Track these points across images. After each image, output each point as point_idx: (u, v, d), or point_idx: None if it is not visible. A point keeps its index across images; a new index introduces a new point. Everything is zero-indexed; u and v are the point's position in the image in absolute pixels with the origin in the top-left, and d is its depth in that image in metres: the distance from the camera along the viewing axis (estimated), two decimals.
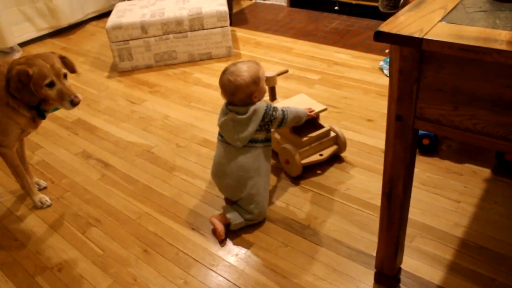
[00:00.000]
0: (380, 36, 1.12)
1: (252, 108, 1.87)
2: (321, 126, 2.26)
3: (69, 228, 2.14)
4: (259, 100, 1.92)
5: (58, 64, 1.98)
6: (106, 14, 4.85)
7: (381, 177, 2.17)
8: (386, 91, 2.88)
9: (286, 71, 2.47)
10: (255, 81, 1.87)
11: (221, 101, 2.05)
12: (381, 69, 3.12)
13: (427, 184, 2.11)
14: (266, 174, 1.97)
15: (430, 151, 2.28)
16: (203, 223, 2.06)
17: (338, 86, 3.00)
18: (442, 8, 1.24)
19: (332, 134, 2.28)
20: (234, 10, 4.53)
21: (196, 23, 3.45)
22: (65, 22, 4.46)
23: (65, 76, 2.01)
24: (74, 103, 1.97)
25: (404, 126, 1.24)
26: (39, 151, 2.76)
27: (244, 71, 1.88)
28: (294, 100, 2.32)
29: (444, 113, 1.15)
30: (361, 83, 3.00)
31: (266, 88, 1.99)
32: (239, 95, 1.87)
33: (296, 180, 2.24)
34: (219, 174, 1.98)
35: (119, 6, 3.79)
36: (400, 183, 1.36)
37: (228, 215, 1.96)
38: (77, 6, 4.55)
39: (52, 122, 3.04)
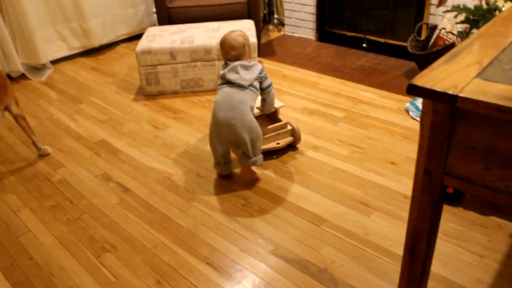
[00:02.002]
0: (414, 90, 1.10)
1: (252, 62, 2.44)
2: (279, 120, 2.78)
3: (84, 252, 2.14)
4: (247, 57, 2.50)
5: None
6: (136, 37, 4.95)
7: (402, 224, 2.16)
8: (411, 134, 2.84)
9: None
10: (248, 43, 2.50)
11: None
12: (407, 111, 3.09)
13: (450, 235, 2.05)
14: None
15: (454, 201, 2.23)
16: (218, 258, 2.03)
17: (362, 125, 2.97)
18: (477, 63, 1.22)
19: (289, 127, 2.75)
20: (263, 41, 4.58)
21: None
22: (96, 42, 4.56)
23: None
24: None
25: (432, 181, 1.20)
26: (61, 169, 2.79)
27: (243, 34, 2.49)
28: (258, 99, 2.65)
29: (475, 172, 1.12)
30: (386, 123, 2.97)
31: None
32: (245, 49, 2.45)
33: (315, 221, 2.21)
34: (228, 112, 2.32)
35: (150, 31, 3.85)
36: (424, 238, 1.32)
37: (251, 161, 2.41)
38: (109, 28, 4.65)
39: (76, 141, 3.08)
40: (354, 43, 4.27)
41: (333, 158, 2.65)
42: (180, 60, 3.51)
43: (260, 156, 2.43)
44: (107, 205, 2.44)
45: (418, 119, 2.97)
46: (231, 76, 2.37)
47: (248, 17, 4.05)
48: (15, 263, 2.12)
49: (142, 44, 3.56)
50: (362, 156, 2.65)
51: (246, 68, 2.39)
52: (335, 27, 4.40)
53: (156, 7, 4.01)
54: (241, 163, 2.44)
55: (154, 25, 5.03)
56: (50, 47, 4.40)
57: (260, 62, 4.06)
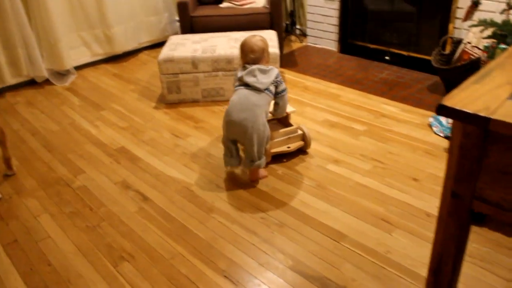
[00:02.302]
0: (444, 111, 1.07)
1: (269, 66, 2.54)
2: (290, 125, 2.85)
3: (102, 260, 2.13)
4: (267, 61, 2.61)
5: None
6: (159, 45, 4.99)
7: (425, 243, 2.11)
8: (434, 150, 2.79)
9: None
10: (267, 47, 2.60)
11: None
12: (430, 126, 3.04)
13: (474, 257, 2.00)
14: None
15: (479, 220, 2.18)
16: (236, 272, 2.01)
17: (384, 139, 2.93)
18: (509, 84, 1.19)
19: (300, 132, 2.80)
20: (285, 51, 4.57)
21: None
22: (119, 49, 4.60)
23: None
24: None
25: (460, 205, 1.17)
26: (81, 176, 2.80)
27: (263, 39, 2.58)
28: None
29: (507, 198, 1.09)
30: (408, 138, 2.93)
31: None
32: (264, 54, 2.55)
33: (335, 237, 2.17)
34: (241, 113, 2.43)
35: (172, 39, 3.87)
36: (450, 262, 1.28)
37: (256, 164, 2.51)
38: (132, 35, 4.70)
39: (96, 147, 3.10)
40: (376, 56, 4.24)
41: (354, 172, 2.62)
42: (202, 69, 3.52)
43: (263, 159, 2.53)
44: (126, 213, 2.44)
45: (442, 134, 2.92)
46: (249, 79, 2.46)
47: (271, 28, 4.05)
48: (34, 268, 2.12)
49: (164, 52, 3.58)
50: (384, 172, 2.61)
51: (264, 72, 2.48)
52: (357, 39, 4.37)
53: (179, 16, 4.03)
54: (246, 167, 2.58)
55: (177, 33, 5.07)
56: (74, 53, 4.45)
57: (282, 73, 4.05)
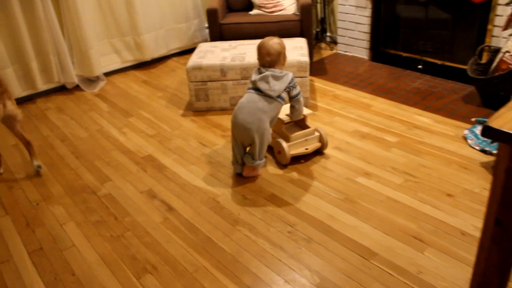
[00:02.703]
0: (489, 133, 0.99)
1: (284, 71, 2.55)
2: (307, 127, 2.88)
3: (125, 271, 2.10)
4: (283, 64, 2.63)
5: None
6: (188, 51, 4.99)
7: (459, 263, 2.00)
8: (469, 164, 2.68)
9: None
10: (284, 50, 2.60)
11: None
12: (465, 139, 2.92)
13: None
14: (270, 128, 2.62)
15: None
16: None
17: (416, 152, 2.83)
18: None
19: (317, 133, 2.86)
20: (315, 59, 4.50)
21: None
22: (149, 56, 4.62)
23: None
24: None
25: (505, 233, 1.09)
26: (108, 184, 2.79)
27: (280, 43, 2.58)
28: (286, 107, 2.84)
29: None
30: (442, 151, 2.82)
31: None
32: (280, 58, 2.56)
33: (364, 254, 2.09)
34: (247, 116, 2.52)
35: (201, 47, 3.85)
36: None
37: (256, 163, 2.63)
38: (162, 42, 4.71)
39: (124, 155, 3.09)
40: (409, 64, 4.12)
41: (385, 186, 2.53)
42: (230, 77, 3.48)
43: (263, 161, 2.64)
44: (150, 223, 2.41)
45: (478, 147, 2.80)
46: (262, 86, 2.53)
47: (301, 35, 3.99)
48: (58, 277, 2.11)
49: (193, 59, 3.56)
50: (416, 186, 2.51)
51: (277, 78, 2.52)
52: (389, 47, 4.27)
53: (209, 23, 4.01)
54: (246, 163, 2.65)
55: (206, 40, 5.05)
56: (105, 60, 4.49)
57: (311, 81, 3.98)
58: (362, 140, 3.01)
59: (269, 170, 2.78)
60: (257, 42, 3.81)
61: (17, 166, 3.09)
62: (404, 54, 4.15)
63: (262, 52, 2.57)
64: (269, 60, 2.55)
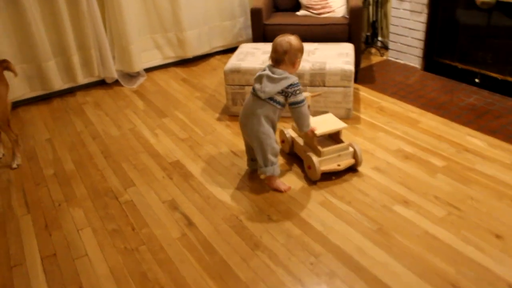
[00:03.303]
0: None
1: (286, 74, 2.34)
2: (341, 141, 2.66)
3: None
4: (295, 70, 2.42)
5: None
6: (232, 50, 4.83)
7: None
8: None
9: (319, 94, 2.99)
10: (301, 50, 2.41)
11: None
12: None
13: None
14: (272, 132, 2.46)
15: None
16: None
17: (465, 180, 2.55)
18: None
19: (351, 149, 2.64)
20: (363, 65, 4.24)
21: (317, 78, 3.22)
22: (191, 53, 4.51)
23: None
24: None
25: None
26: (131, 189, 2.69)
27: (296, 40, 2.40)
28: (320, 118, 2.72)
29: None
30: (495, 182, 2.52)
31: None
32: (285, 57, 2.35)
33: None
34: (243, 118, 2.48)
35: (242, 48, 3.69)
36: None
37: (261, 170, 2.51)
38: (205, 40, 4.59)
39: (152, 158, 2.98)
40: (465, 77, 3.78)
41: (424, 218, 2.28)
42: None
43: (270, 168, 2.47)
44: (167, 238, 2.28)
45: None
46: (255, 85, 2.42)
47: (349, 40, 3.74)
48: None
49: (231, 62, 3.40)
50: (460, 221, 2.25)
51: (272, 80, 2.35)
52: (444, 56, 3.94)
53: (252, 23, 3.83)
54: (259, 171, 2.55)
55: (251, 39, 4.88)
56: (146, 56, 4.41)
57: (356, 89, 3.74)
58: (405, 161, 2.76)
59: (299, 187, 2.60)
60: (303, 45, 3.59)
61: (47, 162, 3.05)
62: (460, 66, 3.82)
63: (272, 47, 2.42)
64: (274, 57, 2.39)
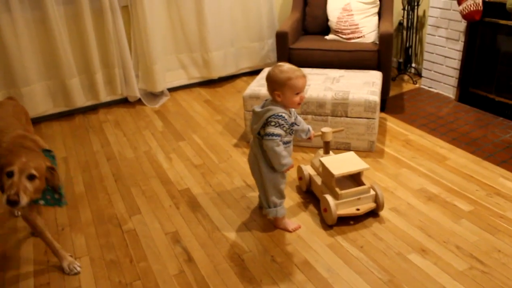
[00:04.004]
0: None
1: (269, 107, 2.13)
2: (362, 183, 2.42)
3: None
4: (281, 102, 2.13)
5: (34, 164, 1.94)
6: (258, 71, 4.71)
7: None
8: None
9: (342, 130, 2.69)
10: (281, 82, 2.08)
11: None
12: None
13: None
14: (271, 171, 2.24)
15: None
16: None
17: (493, 229, 2.32)
18: None
19: (372, 192, 2.42)
20: (394, 93, 4.04)
21: (340, 108, 3.05)
22: (216, 74, 4.44)
23: (30, 177, 1.92)
24: (9, 201, 1.84)
25: None
26: (136, 217, 2.60)
27: (283, 69, 2.10)
28: (341, 157, 2.49)
29: None
30: None
31: (296, 99, 2.12)
32: (268, 86, 2.16)
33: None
34: (249, 157, 2.35)
35: (265, 72, 3.56)
36: None
37: (265, 211, 2.36)
38: (231, 61, 4.50)
39: (162, 185, 2.88)
40: (502, 111, 3.52)
41: (442, 271, 2.06)
42: None
43: (273, 210, 2.32)
44: (164, 275, 2.15)
45: None
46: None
47: (378, 68, 3.56)
48: None
49: (251, 87, 3.29)
50: (484, 278, 2.02)
51: (257, 115, 2.19)
52: (481, 87, 3.68)
53: (277, 47, 3.71)
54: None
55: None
56: (171, 75, 4.36)
57: (383, 119, 3.54)
58: (427, 203, 2.54)
59: (309, 226, 2.43)
60: (327, 72, 3.45)
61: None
62: (498, 98, 3.55)
63: None
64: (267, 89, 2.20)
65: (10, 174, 1.88)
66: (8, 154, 1.95)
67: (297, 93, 2.11)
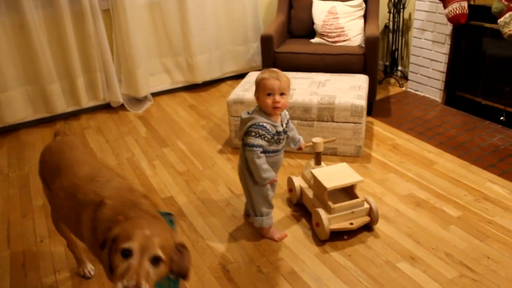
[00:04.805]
0: None
1: (253, 115, 2.11)
2: (356, 197, 2.33)
3: None
4: (260, 106, 2.12)
5: (160, 240, 1.36)
6: (244, 75, 4.63)
7: None
8: None
9: (334, 140, 2.60)
10: (256, 83, 2.11)
11: None
12: None
13: None
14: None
15: None
16: None
17: (482, 235, 2.28)
18: None
19: (366, 205, 2.33)
20: (380, 96, 4.00)
21: (326, 113, 3.01)
22: (200, 79, 4.37)
23: (155, 260, 1.33)
24: None
25: None
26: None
27: (264, 72, 2.11)
28: (333, 169, 2.40)
29: None
30: None
31: (268, 101, 2.06)
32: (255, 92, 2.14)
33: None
34: (238, 164, 2.28)
35: (250, 77, 3.52)
36: None
37: (250, 219, 2.36)
38: (215, 65, 4.44)
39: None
40: (489, 114, 3.50)
41: (432, 280, 2.01)
42: None
43: (259, 219, 2.26)
44: None
45: None
46: None
47: (364, 71, 3.52)
48: None
49: (236, 92, 3.23)
50: (474, 286, 1.98)
51: (243, 123, 2.15)
52: (467, 90, 3.66)
53: (262, 51, 3.66)
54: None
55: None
56: (154, 79, 4.29)
57: (370, 123, 3.50)
58: (416, 209, 2.50)
59: (297, 236, 2.37)
60: (312, 76, 3.40)
61: (38, 191, 2.91)
62: (484, 101, 3.54)
63: None
64: None
65: (128, 253, 1.31)
66: (122, 219, 1.40)
67: (269, 94, 2.05)
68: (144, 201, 1.54)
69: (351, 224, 2.29)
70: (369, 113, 3.63)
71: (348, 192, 2.40)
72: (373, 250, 2.22)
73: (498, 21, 3.09)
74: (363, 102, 2.96)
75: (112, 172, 1.71)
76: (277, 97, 2.05)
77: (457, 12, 3.36)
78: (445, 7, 3.43)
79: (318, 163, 2.53)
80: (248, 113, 2.16)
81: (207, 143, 3.40)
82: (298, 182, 2.59)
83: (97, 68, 3.87)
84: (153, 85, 4.27)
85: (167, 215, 1.55)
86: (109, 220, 1.44)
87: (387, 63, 4.45)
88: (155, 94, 4.31)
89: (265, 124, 2.08)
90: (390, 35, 4.32)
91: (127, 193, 1.55)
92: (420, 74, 4.01)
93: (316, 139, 2.48)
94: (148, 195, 1.66)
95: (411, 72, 4.10)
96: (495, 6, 3.09)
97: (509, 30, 3.02)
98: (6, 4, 3.45)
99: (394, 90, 4.19)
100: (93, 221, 1.50)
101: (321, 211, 2.27)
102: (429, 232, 2.31)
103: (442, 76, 3.81)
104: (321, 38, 3.86)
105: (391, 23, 4.22)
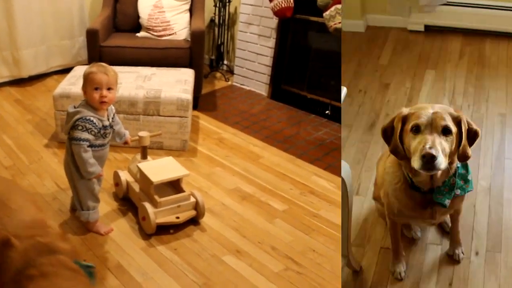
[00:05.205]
0: None
1: (79, 109, 2.08)
2: (182, 191, 2.34)
3: None
4: (87, 100, 2.11)
5: None
6: (70, 70, 4.37)
7: None
8: None
9: (160, 134, 2.69)
10: (84, 77, 2.11)
11: None
12: None
13: None
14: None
15: None
16: None
17: (307, 228, 2.37)
18: None
19: (192, 199, 2.35)
20: (206, 91, 3.98)
21: (152, 107, 2.98)
22: (26, 73, 4.10)
23: None
24: None
25: None
26: None
27: (92, 66, 2.13)
28: (159, 163, 2.44)
29: None
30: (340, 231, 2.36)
31: (96, 96, 2.06)
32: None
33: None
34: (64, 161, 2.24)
35: (76, 71, 3.34)
36: None
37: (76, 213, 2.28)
38: (42, 59, 4.20)
39: None
40: (315, 108, 3.65)
41: (257, 273, 2.07)
42: None
43: (85, 213, 2.22)
44: None
45: None
46: None
47: (190, 65, 3.52)
48: None
49: (62, 86, 3.09)
50: (299, 279, 2.03)
51: (69, 117, 2.12)
52: (293, 84, 3.84)
53: (88, 45, 3.54)
54: None
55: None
56: None
57: (196, 117, 3.49)
58: (242, 203, 2.56)
59: (124, 230, 2.33)
60: (138, 70, 3.31)
61: None
62: (310, 95, 3.72)
63: None
64: None
65: None
66: (36, 275, 1.11)
67: (96, 89, 2.06)
68: (62, 246, 1.29)
69: (178, 218, 2.31)
70: (195, 107, 3.58)
71: (174, 186, 2.42)
72: (199, 244, 2.24)
73: (324, 14, 3.24)
74: (189, 96, 2.99)
75: (24, 196, 1.47)
76: (104, 92, 2.06)
77: (283, 5, 3.48)
78: (271, 0, 3.52)
79: (144, 157, 2.53)
80: (74, 107, 2.12)
81: (33, 137, 3.20)
82: (125, 176, 2.55)
83: None
84: None
85: (87, 267, 1.38)
86: (19, 271, 1.15)
87: (213, 57, 4.48)
88: None
89: (92, 118, 2.07)
90: (216, 29, 4.35)
91: (40, 231, 1.28)
92: (246, 68, 4.10)
93: (142, 133, 2.48)
94: (66, 235, 1.54)
95: (236, 66, 4.18)
96: None
97: (335, 24, 3.19)
98: None
99: (220, 84, 4.25)
100: None
101: (148, 205, 2.26)
102: (255, 226, 2.39)
103: (268, 70, 3.94)
104: (147, 32, 3.81)
105: (217, 17, 4.26)
